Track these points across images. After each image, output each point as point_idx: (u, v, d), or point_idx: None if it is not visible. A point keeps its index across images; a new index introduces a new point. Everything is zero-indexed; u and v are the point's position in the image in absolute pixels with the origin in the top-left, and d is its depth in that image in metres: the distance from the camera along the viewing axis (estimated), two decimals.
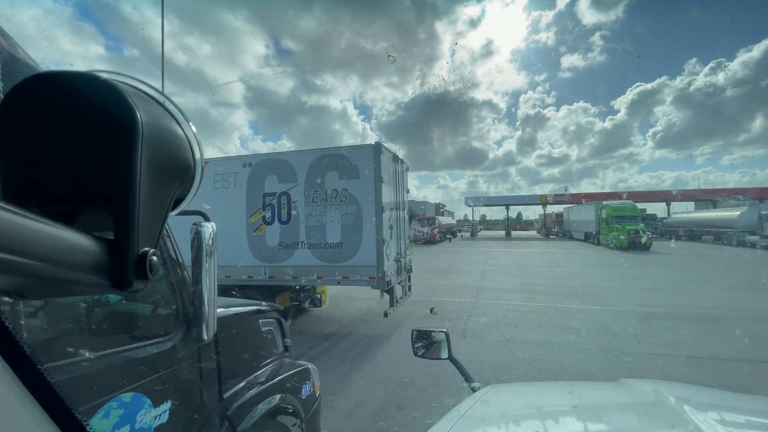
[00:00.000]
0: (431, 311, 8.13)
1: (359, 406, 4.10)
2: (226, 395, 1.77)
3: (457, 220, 68.56)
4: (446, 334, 1.86)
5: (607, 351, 5.67)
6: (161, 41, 2.21)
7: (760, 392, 4.15)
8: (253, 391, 1.93)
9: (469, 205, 51.85)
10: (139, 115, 0.42)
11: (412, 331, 1.93)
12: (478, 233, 56.24)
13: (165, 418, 1.37)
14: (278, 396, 2.09)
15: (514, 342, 6.16)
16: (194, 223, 1.33)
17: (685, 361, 5.26)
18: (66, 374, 1.07)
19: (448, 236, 42.44)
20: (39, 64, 1.04)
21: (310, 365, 2.60)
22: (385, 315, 7.08)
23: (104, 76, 0.44)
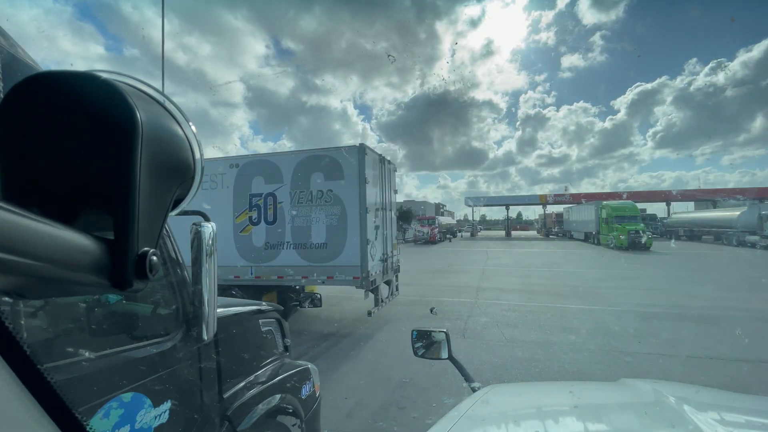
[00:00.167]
0: (431, 311, 8.13)
1: (359, 406, 4.10)
2: (226, 395, 1.77)
3: (457, 220, 68.61)
4: (446, 334, 1.86)
5: (607, 351, 5.67)
6: (161, 41, 2.21)
7: (760, 392, 4.15)
8: (253, 391, 1.93)
9: (469, 205, 51.90)
10: (139, 115, 0.42)
11: (412, 331, 1.93)
12: (478, 233, 56.25)
13: (165, 418, 1.37)
14: (278, 396, 2.09)
15: (514, 342, 6.16)
16: (194, 223, 1.33)
17: (685, 361, 5.26)
18: (66, 374, 1.07)
19: (448, 236, 42.44)
20: (39, 64, 1.04)
21: (310, 365, 2.60)
22: (369, 314, 7.16)
23: (104, 75, 0.44)
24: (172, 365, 1.47)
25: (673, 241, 32.24)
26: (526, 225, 72.68)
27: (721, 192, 37.83)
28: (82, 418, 0.45)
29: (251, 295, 6.87)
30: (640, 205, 28.79)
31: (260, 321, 2.33)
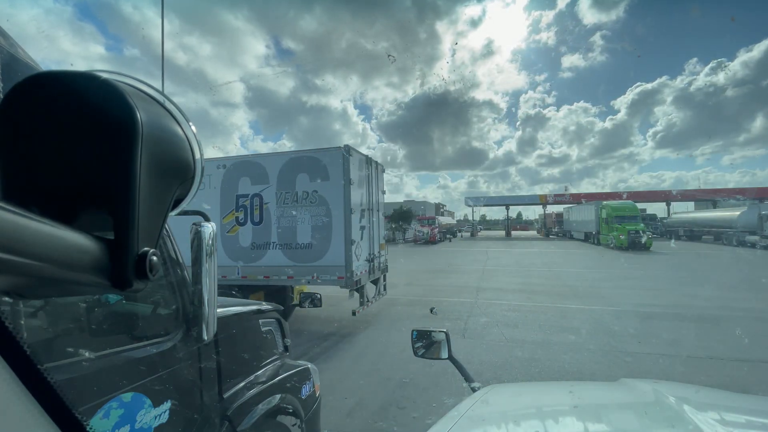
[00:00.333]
0: (431, 311, 8.14)
1: (359, 406, 4.10)
2: (226, 395, 1.77)
3: (457, 220, 68.62)
4: (446, 334, 1.86)
5: (607, 351, 5.67)
6: (161, 41, 2.21)
7: (760, 392, 4.15)
8: (253, 391, 1.93)
9: (469, 205, 51.90)
10: (139, 115, 0.42)
11: (412, 331, 1.93)
12: (478, 233, 56.26)
13: (165, 418, 1.37)
14: (278, 396, 2.09)
15: (514, 342, 6.16)
16: (194, 223, 1.33)
17: (685, 361, 5.26)
18: (66, 374, 1.07)
19: (448, 236, 42.45)
20: (39, 64, 1.04)
21: (310, 365, 2.60)
22: (354, 314, 7.21)
23: (104, 75, 0.44)
24: (172, 365, 1.47)
25: (673, 241, 32.24)
26: (526, 225, 72.68)
27: (721, 192, 37.84)
28: (82, 418, 0.45)
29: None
30: (640, 205, 28.79)
31: (260, 321, 2.33)
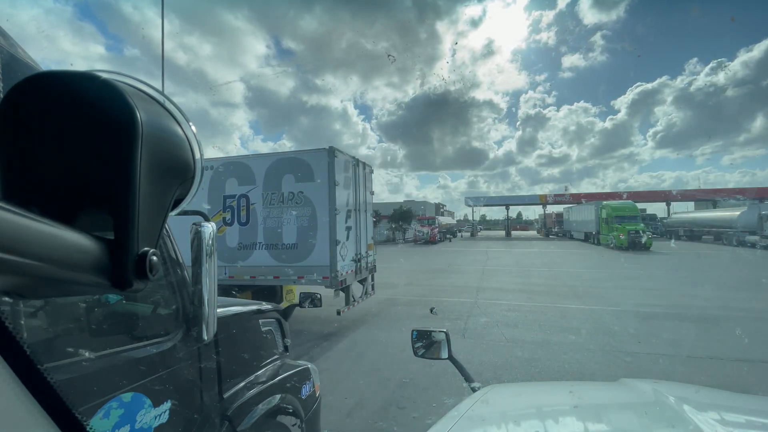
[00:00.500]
0: (431, 311, 8.14)
1: (359, 406, 4.10)
2: (226, 395, 1.77)
3: (457, 220, 68.62)
4: (446, 334, 1.86)
5: (607, 351, 5.67)
6: (161, 41, 2.21)
7: (760, 392, 4.15)
8: (253, 391, 1.93)
9: (469, 205, 51.90)
10: (139, 115, 0.42)
11: (412, 331, 1.93)
12: (478, 233, 56.27)
13: (165, 418, 1.37)
14: (278, 396, 2.09)
15: (514, 342, 6.16)
16: (194, 223, 1.33)
17: (685, 361, 5.26)
18: (66, 374, 1.07)
19: (448, 236, 42.46)
20: (39, 63, 1.04)
21: (310, 365, 2.60)
22: (338, 313, 7.26)
23: (104, 75, 0.44)
24: (172, 365, 1.47)
25: (673, 241, 32.24)
26: (526, 225, 72.65)
27: (721, 192, 37.85)
28: (82, 418, 0.45)
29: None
30: (640, 205, 28.80)
31: (260, 321, 2.33)
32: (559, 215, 46.45)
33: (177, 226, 1.51)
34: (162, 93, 0.50)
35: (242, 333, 2.12)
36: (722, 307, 8.24)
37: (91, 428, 0.46)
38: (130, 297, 1.46)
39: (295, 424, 2.19)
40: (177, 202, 0.51)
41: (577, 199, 41.75)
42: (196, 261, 1.35)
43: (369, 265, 8.64)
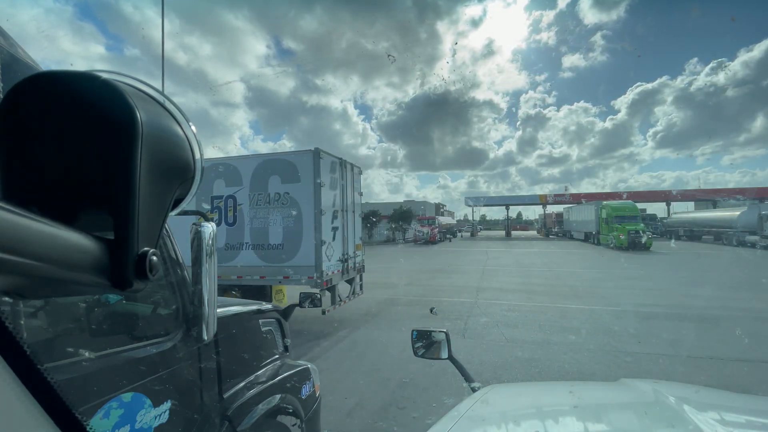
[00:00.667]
0: (431, 311, 8.15)
1: (359, 406, 4.10)
2: (226, 395, 1.77)
3: (457, 220, 68.60)
4: (446, 334, 1.86)
5: (607, 351, 5.67)
6: (161, 41, 2.22)
7: (760, 392, 4.15)
8: (253, 391, 1.93)
9: (469, 205, 51.90)
10: (139, 115, 0.42)
11: (412, 331, 1.93)
12: (478, 233, 56.27)
13: (165, 418, 1.37)
14: (278, 396, 2.09)
15: (514, 342, 6.17)
16: (194, 223, 1.34)
17: (685, 361, 5.26)
18: (66, 374, 1.07)
19: (448, 236, 42.44)
20: (39, 63, 1.04)
21: (310, 365, 2.60)
22: (323, 313, 7.32)
23: (104, 75, 0.44)
24: (172, 365, 1.47)
25: (673, 241, 32.24)
26: (526, 225, 72.66)
27: (721, 192, 37.86)
28: (82, 418, 0.45)
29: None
30: (640, 205, 28.80)
31: (260, 321, 2.33)
32: (559, 215, 46.46)
33: (177, 227, 1.51)
34: (162, 93, 0.50)
35: (242, 333, 2.12)
36: (722, 307, 8.24)
37: (91, 428, 0.46)
38: (130, 297, 1.46)
39: (295, 424, 2.19)
40: (177, 202, 0.51)
41: (577, 199, 41.77)
42: (196, 261, 1.35)
43: (357, 265, 8.73)
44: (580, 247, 27.92)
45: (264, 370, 2.18)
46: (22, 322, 1.00)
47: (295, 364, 2.48)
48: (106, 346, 1.27)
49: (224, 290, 7.41)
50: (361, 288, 8.96)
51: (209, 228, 1.36)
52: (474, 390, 1.61)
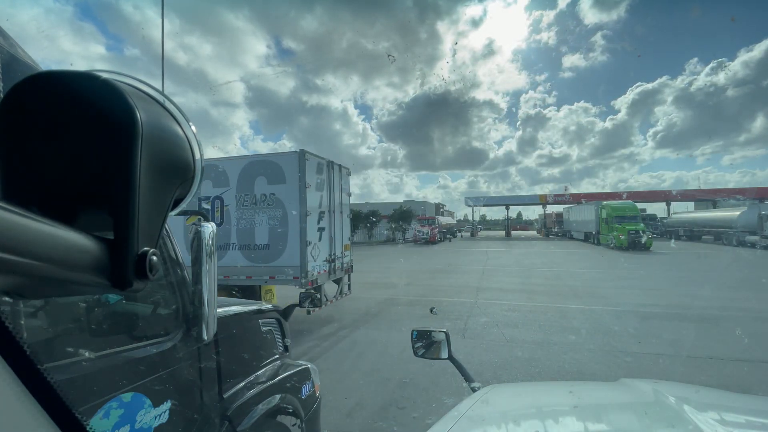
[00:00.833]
0: (431, 311, 8.15)
1: (359, 406, 4.10)
2: (226, 395, 1.77)
3: (457, 220, 68.61)
4: (446, 334, 1.86)
5: (607, 351, 5.67)
6: (161, 41, 2.21)
7: (760, 392, 4.15)
8: (253, 391, 1.93)
9: (469, 205, 51.89)
10: (139, 115, 0.42)
11: (412, 331, 1.93)
12: (478, 233, 56.28)
13: (165, 418, 1.37)
14: (278, 396, 2.09)
15: (514, 342, 6.17)
16: (194, 223, 1.34)
17: (685, 361, 5.26)
18: (66, 374, 1.07)
19: (448, 236, 42.44)
20: (39, 63, 1.04)
21: (310, 365, 2.60)
22: (308, 313, 7.42)
23: (104, 75, 0.44)
24: (172, 365, 1.47)
25: (673, 241, 32.25)
26: (526, 225, 72.64)
27: (721, 192, 37.87)
28: (82, 418, 0.45)
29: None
30: (640, 205, 28.80)
31: (260, 321, 2.33)
32: (559, 215, 46.46)
33: (178, 227, 1.51)
34: (162, 93, 0.50)
35: (242, 333, 2.12)
36: (722, 307, 8.24)
37: (91, 428, 0.46)
38: (130, 297, 1.46)
39: (295, 424, 2.19)
40: (177, 202, 0.51)
41: (577, 199, 41.77)
42: (196, 261, 1.35)
43: (345, 265, 8.83)
44: (580, 247, 27.92)
45: (264, 370, 2.18)
46: (22, 322, 1.00)
47: (295, 364, 2.48)
48: (106, 346, 1.27)
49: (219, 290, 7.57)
50: (349, 288, 9.07)
51: (209, 228, 1.36)
52: (474, 390, 1.61)
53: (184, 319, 1.55)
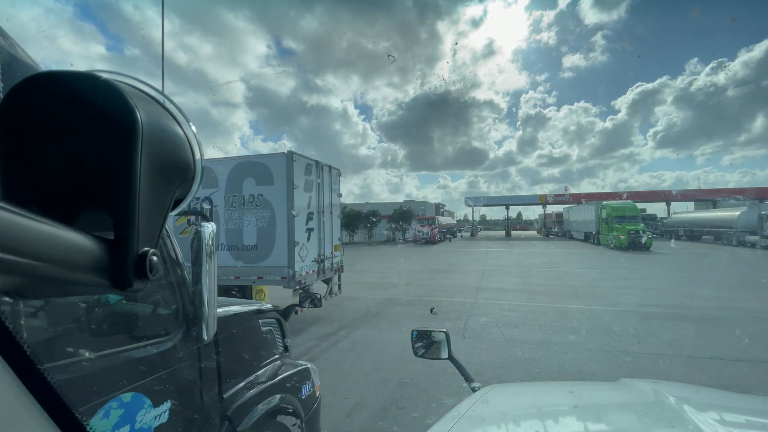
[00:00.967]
0: (431, 311, 8.15)
1: (359, 406, 4.10)
2: (226, 395, 1.77)
3: (457, 220, 68.61)
4: (446, 334, 1.86)
5: (607, 351, 5.67)
6: (161, 41, 2.22)
7: (760, 392, 4.15)
8: (253, 391, 1.93)
9: (469, 205, 51.89)
10: (139, 115, 0.42)
11: (412, 331, 1.93)
12: (478, 233, 56.28)
13: (165, 418, 1.37)
14: (278, 396, 2.09)
15: (514, 342, 6.16)
16: (194, 224, 1.34)
17: (685, 361, 5.26)
18: (66, 374, 1.07)
19: (448, 236, 42.45)
20: (39, 64, 1.05)
21: (310, 365, 2.60)
22: (296, 312, 7.48)
23: (104, 75, 0.44)
24: (172, 365, 1.47)
25: (673, 241, 32.25)
26: (526, 225, 72.64)
27: (721, 192, 37.87)
28: (82, 418, 0.45)
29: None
30: (640, 205, 28.81)
31: (260, 321, 2.33)
32: (559, 215, 46.47)
33: (178, 227, 1.51)
34: (162, 93, 0.50)
35: (242, 333, 2.12)
36: (722, 307, 8.24)
37: (91, 428, 0.46)
38: (130, 297, 1.46)
39: (295, 424, 2.19)
40: (177, 202, 0.52)
41: (577, 199, 41.78)
42: (196, 261, 1.35)
43: (335, 265, 8.91)
44: (580, 247, 27.92)
45: (264, 370, 2.18)
46: (22, 322, 1.00)
47: (295, 364, 2.48)
48: (106, 346, 1.27)
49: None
50: (339, 288, 9.14)
51: (209, 228, 1.36)
52: (474, 390, 1.61)
53: (184, 319, 1.55)
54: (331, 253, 8.73)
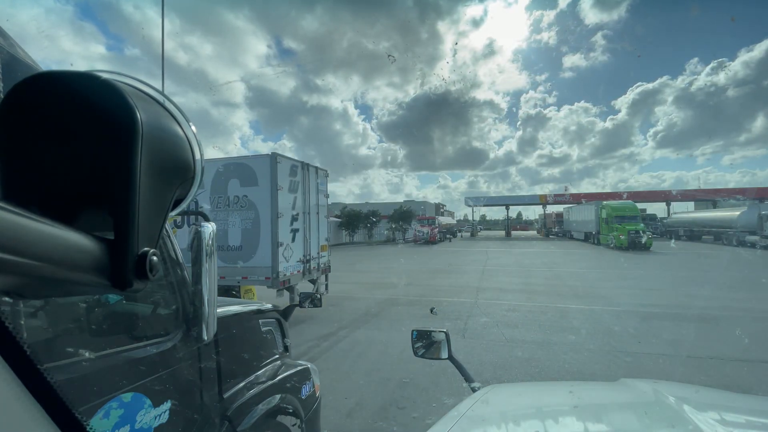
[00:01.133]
0: (431, 311, 8.16)
1: (359, 406, 4.10)
2: (226, 395, 1.77)
3: (457, 220, 68.62)
4: (446, 334, 1.86)
5: (607, 351, 5.67)
6: (162, 41, 2.22)
7: (760, 392, 4.15)
8: (253, 391, 1.93)
9: (469, 205, 51.89)
10: (139, 115, 0.42)
11: (412, 331, 1.93)
12: (478, 233, 56.29)
13: (165, 418, 1.37)
14: (278, 396, 2.09)
15: (514, 342, 6.17)
16: (194, 223, 1.34)
17: (685, 361, 5.26)
18: (66, 374, 1.07)
19: (448, 236, 42.46)
20: (39, 64, 1.05)
21: (310, 365, 2.60)
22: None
23: (104, 75, 0.44)
24: (172, 365, 1.47)
25: (673, 241, 32.26)
26: (526, 225, 72.65)
27: (721, 192, 37.87)
28: (82, 418, 0.45)
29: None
30: (640, 205, 28.82)
31: (260, 321, 2.33)
32: (559, 215, 46.48)
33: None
34: (162, 93, 0.50)
35: (242, 333, 2.12)
36: (722, 307, 8.24)
37: (91, 428, 0.46)
38: (130, 297, 1.46)
39: (295, 424, 2.19)
40: (177, 202, 0.52)
41: (577, 199, 41.78)
42: (196, 261, 1.35)
43: (321, 265, 8.99)
44: (580, 247, 27.93)
45: (264, 370, 2.18)
46: (22, 322, 1.00)
47: (295, 364, 2.48)
48: (106, 346, 1.27)
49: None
50: (326, 288, 9.21)
51: (209, 228, 1.36)
52: (474, 390, 1.61)
53: (184, 319, 1.55)
54: (318, 253, 8.82)
